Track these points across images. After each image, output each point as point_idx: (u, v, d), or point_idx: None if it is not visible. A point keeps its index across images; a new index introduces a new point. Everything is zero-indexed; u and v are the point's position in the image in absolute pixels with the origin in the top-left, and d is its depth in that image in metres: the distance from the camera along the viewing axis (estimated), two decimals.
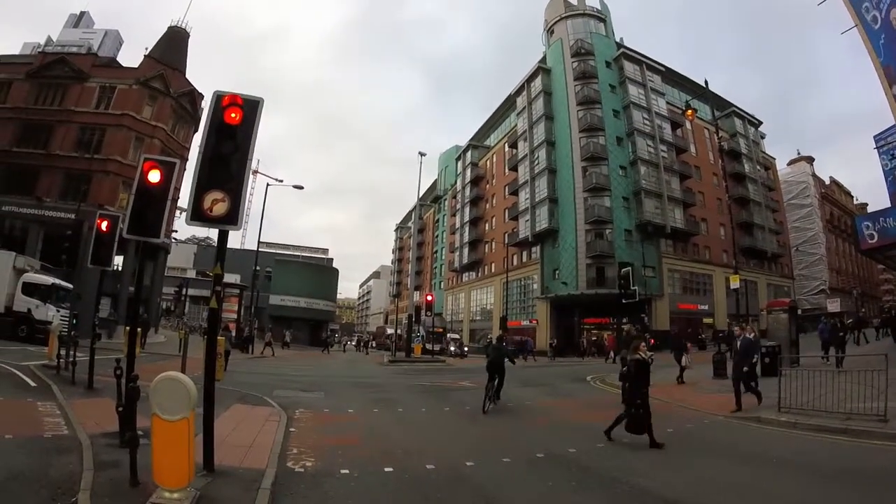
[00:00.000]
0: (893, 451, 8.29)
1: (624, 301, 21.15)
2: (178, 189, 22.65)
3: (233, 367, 19.43)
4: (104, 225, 11.11)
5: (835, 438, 9.36)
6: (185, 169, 18.87)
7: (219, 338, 6.55)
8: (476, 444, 9.11)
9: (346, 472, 6.93)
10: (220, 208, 6.10)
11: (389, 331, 55.16)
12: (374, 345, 62.40)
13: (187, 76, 40.88)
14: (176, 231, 46.28)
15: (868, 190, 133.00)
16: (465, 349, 49.22)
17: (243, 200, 6.25)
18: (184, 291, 39.77)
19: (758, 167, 65.82)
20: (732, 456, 8.53)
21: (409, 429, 10.56)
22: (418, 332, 43.91)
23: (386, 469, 7.14)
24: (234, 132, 6.28)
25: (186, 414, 4.88)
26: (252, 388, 14.16)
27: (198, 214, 6.11)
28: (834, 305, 60.52)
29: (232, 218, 6.17)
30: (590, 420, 11.05)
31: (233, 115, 6.23)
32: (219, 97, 6.35)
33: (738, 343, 12.85)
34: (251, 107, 6.41)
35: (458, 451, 8.36)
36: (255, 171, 55.51)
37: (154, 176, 7.08)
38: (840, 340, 19.66)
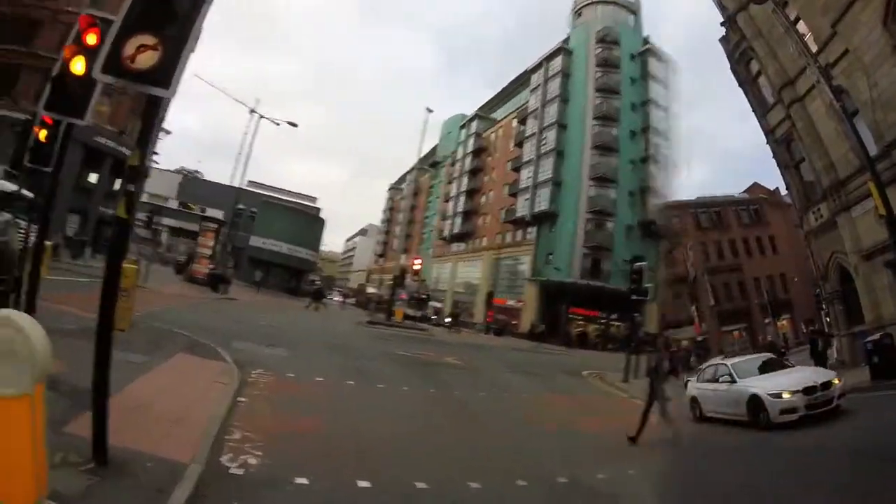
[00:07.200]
0: None
1: (633, 297, 19.43)
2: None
3: (194, 307, 17.39)
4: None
5: None
6: None
7: (126, 266, 4.34)
8: (478, 452, 7.02)
9: (304, 482, 4.90)
10: (148, 59, 3.83)
11: (371, 290, 52.92)
12: (352, 301, 60.17)
13: None
14: (158, 154, 43.46)
15: None
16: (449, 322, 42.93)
17: (185, 55, 3.93)
18: (154, 219, 36.55)
19: None
20: None
21: (391, 417, 8.45)
22: (400, 295, 41.71)
23: (360, 483, 5.10)
24: None
25: (27, 388, 2.69)
26: (206, 335, 11.75)
27: (114, 64, 3.84)
28: None
29: (161, 75, 3.88)
30: (606, 430, 9.10)
31: None
32: None
33: None
34: None
35: (457, 463, 6.35)
36: (252, 111, 52.52)
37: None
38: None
